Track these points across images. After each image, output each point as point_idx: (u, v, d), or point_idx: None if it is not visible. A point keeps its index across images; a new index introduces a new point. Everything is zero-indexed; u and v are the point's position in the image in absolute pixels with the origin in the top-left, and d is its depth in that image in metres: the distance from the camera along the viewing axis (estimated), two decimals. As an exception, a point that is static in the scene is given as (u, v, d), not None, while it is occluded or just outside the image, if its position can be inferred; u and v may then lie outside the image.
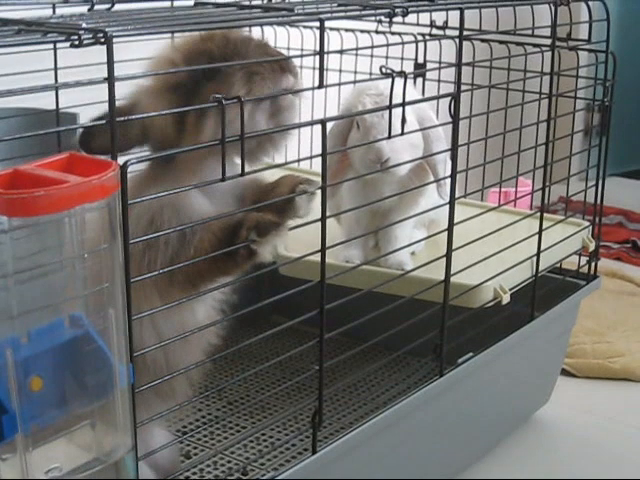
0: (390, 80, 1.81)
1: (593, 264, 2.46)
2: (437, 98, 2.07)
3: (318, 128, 1.51)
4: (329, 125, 1.66)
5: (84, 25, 1.13)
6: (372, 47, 2.39)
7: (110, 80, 1.11)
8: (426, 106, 2.14)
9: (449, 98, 1.82)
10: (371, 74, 2.47)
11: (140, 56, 1.53)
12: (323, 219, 1.53)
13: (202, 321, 1.52)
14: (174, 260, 1.41)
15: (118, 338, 1.15)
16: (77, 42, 1.10)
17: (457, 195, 1.89)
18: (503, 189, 2.56)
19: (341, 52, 2.39)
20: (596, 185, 2.41)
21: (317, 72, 1.49)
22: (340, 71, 2.58)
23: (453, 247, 1.89)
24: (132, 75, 1.21)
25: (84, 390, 1.16)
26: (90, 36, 1.09)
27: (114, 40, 1.11)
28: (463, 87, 1.85)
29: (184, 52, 1.49)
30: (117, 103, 1.17)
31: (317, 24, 1.45)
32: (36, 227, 1.02)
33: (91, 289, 1.12)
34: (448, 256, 1.89)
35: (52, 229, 1.04)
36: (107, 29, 1.13)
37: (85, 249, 1.09)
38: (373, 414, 1.76)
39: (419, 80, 2.60)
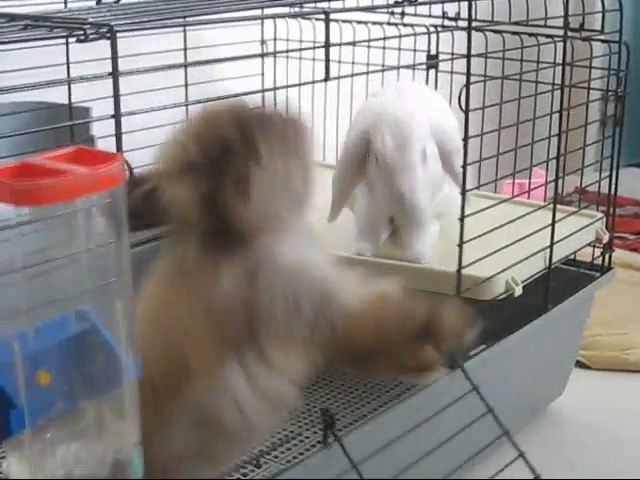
0: (406, 99, 1.82)
1: (607, 256, 2.45)
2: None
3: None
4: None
5: (90, 19, 1.13)
6: (384, 39, 2.38)
7: (114, 74, 1.11)
8: (443, 114, 2.09)
9: (460, 89, 1.81)
10: (383, 66, 2.47)
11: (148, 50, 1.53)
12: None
13: None
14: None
15: (125, 332, 1.15)
16: (82, 37, 1.10)
17: (470, 187, 1.88)
18: (517, 181, 2.55)
19: (353, 44, 2.41)
20: (610, 175, 2.40)
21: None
22: (353, 63, 2.57)
23: (465, 239, 1.89)
24: (136, 70, 1.21)
25: (91, 384, 1.16)
26: (94, 31, 1.09)
27: (119, 34, 1.11)
28: (475, 78, 1.84)
29: (197, 140, 1.38)
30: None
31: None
32: (43, 218, 1.02)
33: (98, 283, 1.12)
34: (460, 248, 1.88)
35: (58, 220, 1.04)
36: (113, 22, 1.13)
37: (92, 242, 1.09)
38: (386, 406, 1.76)
39: (432, 73, 2.61)
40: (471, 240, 1.91)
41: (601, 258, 2.45)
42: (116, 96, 1.14)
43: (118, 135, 1.14)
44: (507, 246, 2.02)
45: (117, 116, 1.14)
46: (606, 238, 2.41)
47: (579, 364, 2.74)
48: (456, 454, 1.81)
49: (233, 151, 1.35)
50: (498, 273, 2.01)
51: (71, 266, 1.11)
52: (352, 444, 1.65)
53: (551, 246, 2.17)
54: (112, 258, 1.13)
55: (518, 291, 2.04)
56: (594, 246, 2.44)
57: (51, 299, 1.11)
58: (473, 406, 1.89)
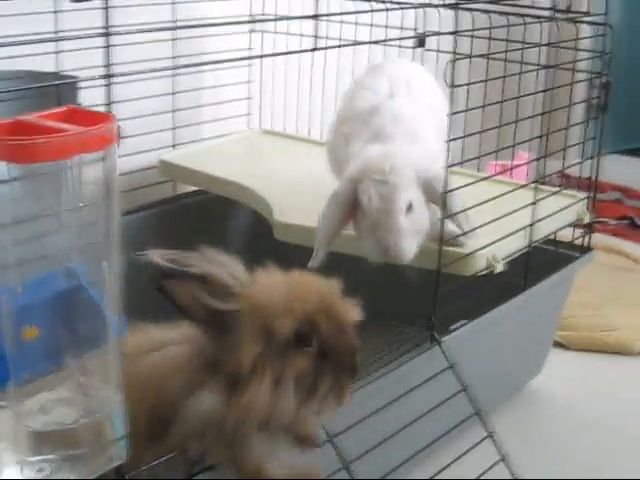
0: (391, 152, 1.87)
1: (588, 237, 2.48)
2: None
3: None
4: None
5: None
6: (372, 11, 2.38)
7: (107, 34, 1.12)
8: (431, 154, 2.10)
9: (446, 66, 1.83)
10: (370, 41, 2.48)
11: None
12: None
13: None
14: None
15: (111, 290, 1.17)
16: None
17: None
18: (501, 162, 2.57)
19: (341, 21, 2.43)
20: (592, 157, 2.42)
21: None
22: (340, 40, 2.58)
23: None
24: (129, 31, 1.22)
25: (77, 341, 1.18)
26: (89, -9, 1.11)
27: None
28: (461, 57, 1.86)
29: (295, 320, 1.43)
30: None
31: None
32: (34, 176, 1.04)
33: (86, 242, 1.14)
34: (442, 222, 1.90)
35: (51, 178, 1.06)
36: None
37: (81, 201, 1.10)
38: (365, 381, 1.78)
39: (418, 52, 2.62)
40: (454, 215, 1.94)
41: (582, 239, 2.47)
42: (108, 58, 1.14)
43: (109, 93, 1.14)
44: (489, 222, 2.04)
45: (108, 73, 1.14)
46: (587, 219, 2.44)
47: (557, 345, 2.77)
48: (431, 430, 1.84)
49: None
50: (479, 249, 2.03)
51: (60, 225, 1.13)
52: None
53: (532, 224, 2.19)
54: (100, 218, 1.15)
55: (499, 268, 2.06)
56: (574, 227, 2.47)
57: (39, 256, 1.13)
58: (450, 383, 1.92)
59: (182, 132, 2.81)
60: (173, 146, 2.79)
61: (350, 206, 2.00)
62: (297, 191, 2.40)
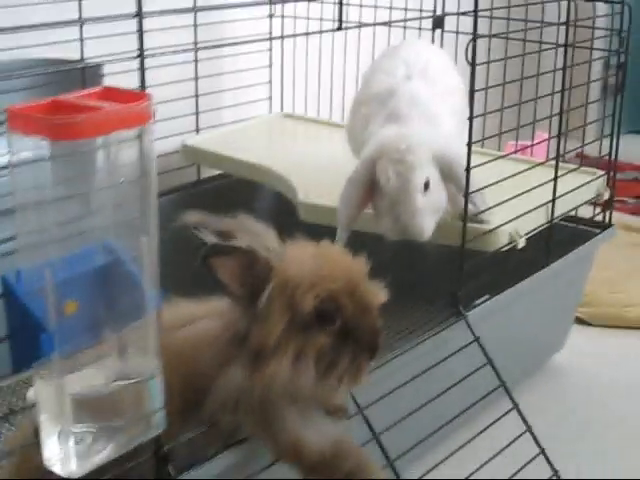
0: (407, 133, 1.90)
1: (608, 213, 2.51)
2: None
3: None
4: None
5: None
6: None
7: (139, 14, 1.16)
8: (447, 139, 2.13)
9: (467, 45, 1.86)
10: (390, 23, 2.51)
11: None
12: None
13: None
14: None
15: (150, 265, 1.21)
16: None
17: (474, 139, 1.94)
18: (520, 142, 2.60)
19: (361, 5, 2.45)
20: (611, 135, 2.45)
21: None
22: (360, 24, 2.60)
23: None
24: (161, 11, 1.25)
25: (116, 314, 1.21)
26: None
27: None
28: (481, 36, 1.89)
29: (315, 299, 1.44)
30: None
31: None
32: (75, 154, 1.07)
33: (125, 217, 1.17)
34: (466, 199, 1.94)
35: (90, 156, 1.09)
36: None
37: (120, 178, 1.14)
38: (392, 354, 1.82)
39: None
40: (476, 191, 1.97)
41: (602, 215, 2.50)
42: (141, 35, 1.18)
43: (142, 73, 1.18)
44: (509, 199, 2.07)
45: (141, 54, 1.18)
46: (607, 195, 2.47)
47: (579, 320, 2.80)
48: (458, 403, 1.87)
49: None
50: (502, 225, 2.06)
51: (99, 202, 1.16)
52: (359, 392, 1.71)
53: (553, 200, 2.22)
54: (138, 195, 1.18)
55: (521, 243, 2.10)
56: (595, 204, 2.49)
57: (79, 232, 1.16)
58: (475, 357, 1.95)
59: (205, 117, 2.85)
60: (196, 131, 2.82)
61: (368, 186, 2.03)
62: (320, 172, 2.44)
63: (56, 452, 1.21)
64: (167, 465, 1.41)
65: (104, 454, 1.23)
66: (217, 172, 2.81)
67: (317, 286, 1.43)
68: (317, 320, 1.44)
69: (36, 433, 1.27)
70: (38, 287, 1.12)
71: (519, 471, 1.83)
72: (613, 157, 2.48)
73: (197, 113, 2.81)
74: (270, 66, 3.04)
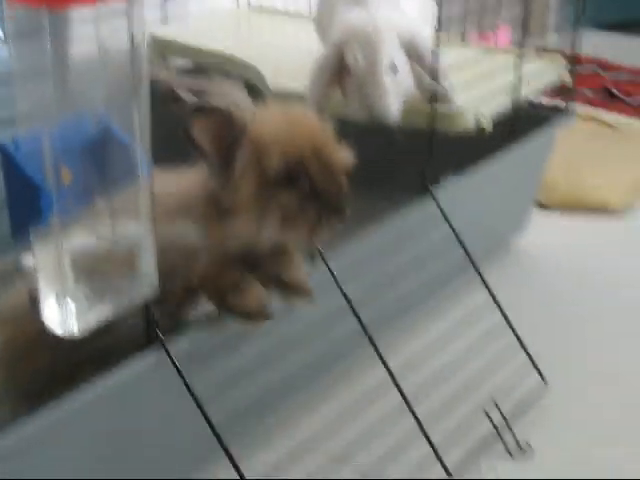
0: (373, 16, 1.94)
1: (569, 98, 2.58)
2: None
3: None
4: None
5: None
6: None
7: None
8: (413, 25, 2.18)
9: None
10: None
11: None
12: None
13: None
14: None
15: (140, 132, 1.27)
16: None
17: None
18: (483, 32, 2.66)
19: None
20: (573, 27, 2.50)
21: None
22: None
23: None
24: None
25: (108, 181, 1.28)
26: None
27: None
28: None
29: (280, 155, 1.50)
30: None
31: None
32: (70, 23, 1.12)
33: (115, 86, 1.23)
34: (435, 81, 2.00)
35: (81, 27, 1.14)
36: None
37: (113, 49, 1.19)
38: (362, 227, 1.90)
39: None
40: (436, 74, 2.04)
41: (563, 101, 2.57)
42: None
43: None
44: (476, 82, 2.14)
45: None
46: (568, 80, 2.53)
47: (540, 205, 2.90)
48: (425, 274, 1.96)
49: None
50: (468, 107, 2.14)
51: (90, 72, 1.22)
52: (331, 258, 1.79)
53: (517, 84, 2.29)
54: (129, 68, 1.24)
55: (486, 125, 2.17)
56: (556, 89, 2.57)
57: (73, 103, 1.22)
58: (441, 232, 2.03)
59: (170, 9, 2.87)
60: (163, 22, 2.85)
61: (336, 69, 2.09)
62: (289, 60, 2.48)
63: (55, 313, 1.28)
64: (156, 328, 1.49)
65: (101, 314, 1.31)
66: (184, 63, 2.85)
67: (284, 147, 1.50)
68: (284, 180, 1.50)
69: (31, 299, 1.34)
70: (36, 154, 1.18)
71: (483, 335, 1.92)
72: (574, 48, 2.54)
73: (162, 5, 2.83)
74: (236, -42, 3.06)
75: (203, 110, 1.45)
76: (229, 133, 1.48)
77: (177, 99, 1.45)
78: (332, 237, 1.56)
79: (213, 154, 1.49)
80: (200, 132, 1.46)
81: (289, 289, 1.62)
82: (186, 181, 1.58)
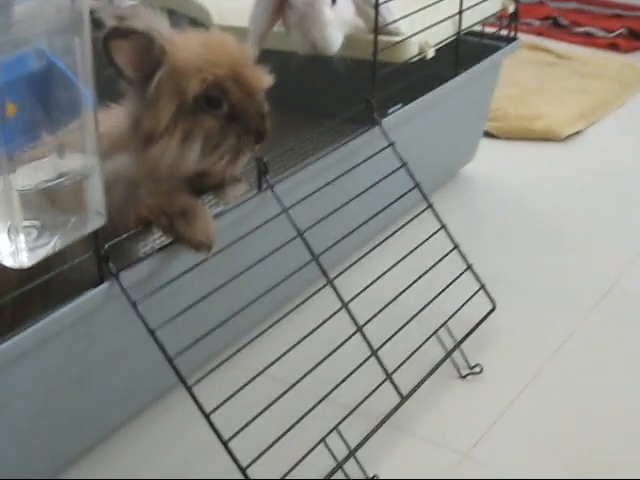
0: None
1: (513, 27, 2.60)
2: None
3: None
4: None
5: None
6: None
7: None
8: None
9: None
10: None
11: None
12: None
13: None
14: None
15: (83, 65, 1.27)
16: None
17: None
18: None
19: None
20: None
21: None
22: None
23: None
24: None
25: (53, 116, 1.28)
26: None
27: None
28: None
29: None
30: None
31: None
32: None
33: (56, 21, 1.23)
34: (376, 10, 2.01)
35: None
36: None
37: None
38: (313, 158, 1.93)
39: None
40: (387, 1, 2.05)
41: (507, 30, 2.59)
42: None
43: None
44: (419, 10, 2.15)
45: None
46: (512, 8, 2.55)
47: (488, 134, 2.93)
48: (376, 206, 1.98)
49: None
50: (411, 36, 2.15)
51: (32, 8, 1.22)
52: (283, 191, 1.81)
53: (460, 12, 2.31)
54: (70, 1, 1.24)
55: (430, 53, 2.19)
56: (500, 18, 2.59)
57: (13, 38, 1.22)
58: (390, 162, 2.05)
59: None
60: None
61: (278, 3, 2.10)
62: (234, -1, 2.48)
63: (6, 246, 1.29)
64: (107, 262, 1.50)
65: (50, 246, 1.32)
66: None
67: (203, 71, 1.52)
68: (204, 104, 1.53)
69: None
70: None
71: (435, 264, 1.95)
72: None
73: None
74: None
75: (121, 32, 1.46)
76: (148, 56, 1.50)
77: (99, 24, 1.45)
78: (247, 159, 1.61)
79: (132, 75, 1.51)
80: (119, 53, 1.47)
81: (228, 182, 1.67)
82: (113, 116, 1.60)
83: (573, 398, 1.83)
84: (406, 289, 1.86)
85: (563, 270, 2.27)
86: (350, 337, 1.73)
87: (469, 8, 2.34)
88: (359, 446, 1.64)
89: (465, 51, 2.39)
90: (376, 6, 2.03)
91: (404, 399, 1.76)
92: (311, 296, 1.74)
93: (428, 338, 1.86)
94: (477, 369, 1.88)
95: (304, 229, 1.78)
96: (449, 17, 2.29)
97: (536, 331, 2.03)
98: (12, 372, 1.40)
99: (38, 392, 1.49)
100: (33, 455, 1.55)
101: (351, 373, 1.69)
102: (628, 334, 2.03)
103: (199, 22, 2.44)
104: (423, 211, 2.03)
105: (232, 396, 1.51)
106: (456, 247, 2.02)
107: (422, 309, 1.88)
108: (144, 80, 1.52)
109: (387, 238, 1.95)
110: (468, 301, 1.97)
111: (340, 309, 1.75)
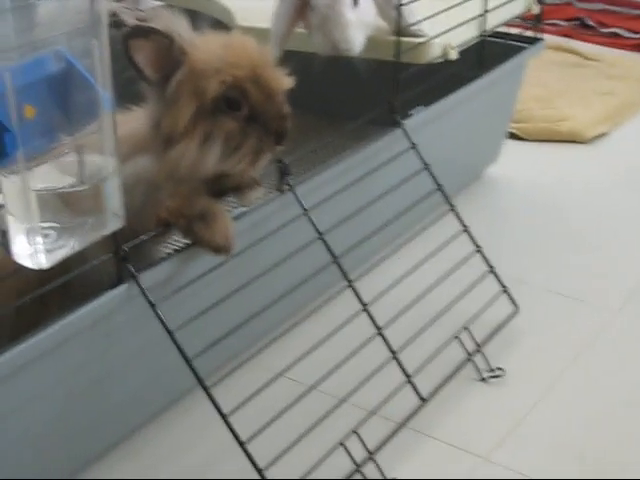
0: None
1: (537, 28, 2.58)
2: None
3: None
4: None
5: None
6: None
7: None
8: None
9: None
10: None
11: None
12: None
13: None
14: None
15: (101, 67, 1.27)
16: None
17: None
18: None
19: None
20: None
21: None
22: None
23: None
24: None
25: (71, 118, 1.29)
26: None
27: None
28: None
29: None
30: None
31: None
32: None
33: (75, 23, 1.23)
34: (398, 11, 2.00)
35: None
36: None
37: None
38: (334, 160, 1.92)
39: None
40: (410, 2, 2.04)
41: (532, 30, 2.58)
42: None
43: None
44: (443, 11, 2.14)
45: None
46: (536, 10, 2.54)
47: (513, 136, 2.91)
48: (398, 208, 1.97)
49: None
50: (434, 37, 2.14)
51: (51, 10, 1.22)
52: (304, 193, 1.81)
53: (484, 13, 2.30)
54: (89, 3, 1.24)
55: (453, 55, 2.18)
56: (524, 19, 2.58)
57: (33, 40, 1.22)
58: (413, 164, 2.04)
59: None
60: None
61: (300, 4, 2.10)
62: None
63: (25, 248, 1.30)
64: (127, 264, 1.50)
65: (68, 248, 1.32)
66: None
67: (222, 72, 1.52)
68: (224, 106, 1.53)
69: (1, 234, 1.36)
70: (-2, 92, 1.19)
71: (457, 267, 1.95)
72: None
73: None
74: None
75: (141, 31, 1.47)
76: (168, 56, 1.50)
77: (120, 24, 1.46)
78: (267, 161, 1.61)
79: (151, 75, 1.51)
80: (138, 53, 1.48)
81: (247, 185, 1.67)
82: (134, 118, 1.60)
83: (596, 401, 1.82)
84: (427, 291, 1.86)
85: (587, 271, 2.25)
86: (370, 339, 1.73)
87: (493, 9, 2.33)
88: (378, 449, 1.64)
89: (489, 52, 2.38)
90: (398, 7, 2.02)
91: (424, 402, 1.75)
92: (331, 298, 1.74)
93: (449, 341, 1.85)
94: (499, 372, 1.86)
95: (324, 231, 1.77)
96: (473, 18, 2.27)
97: (559, 333, 2.02)
98: (32, 373, 1.40)
99: (57, 393, 1.49)
100: (52, 455, 1.55)
101: (371, 375, 1.68)
102: (653, 337, 2.02)
103: (222, 23, 2.44)
104: (446, 213, 2.02)
105: (251, 397, 1.51)
106: (479, 249, 2.01)
107: (443, 312, 1.88)
108: (164, 81, 1.52)
109: (408, 240, 1.94)
110: (490, 304, 1.96)
111: (360, 311, 1.74)
